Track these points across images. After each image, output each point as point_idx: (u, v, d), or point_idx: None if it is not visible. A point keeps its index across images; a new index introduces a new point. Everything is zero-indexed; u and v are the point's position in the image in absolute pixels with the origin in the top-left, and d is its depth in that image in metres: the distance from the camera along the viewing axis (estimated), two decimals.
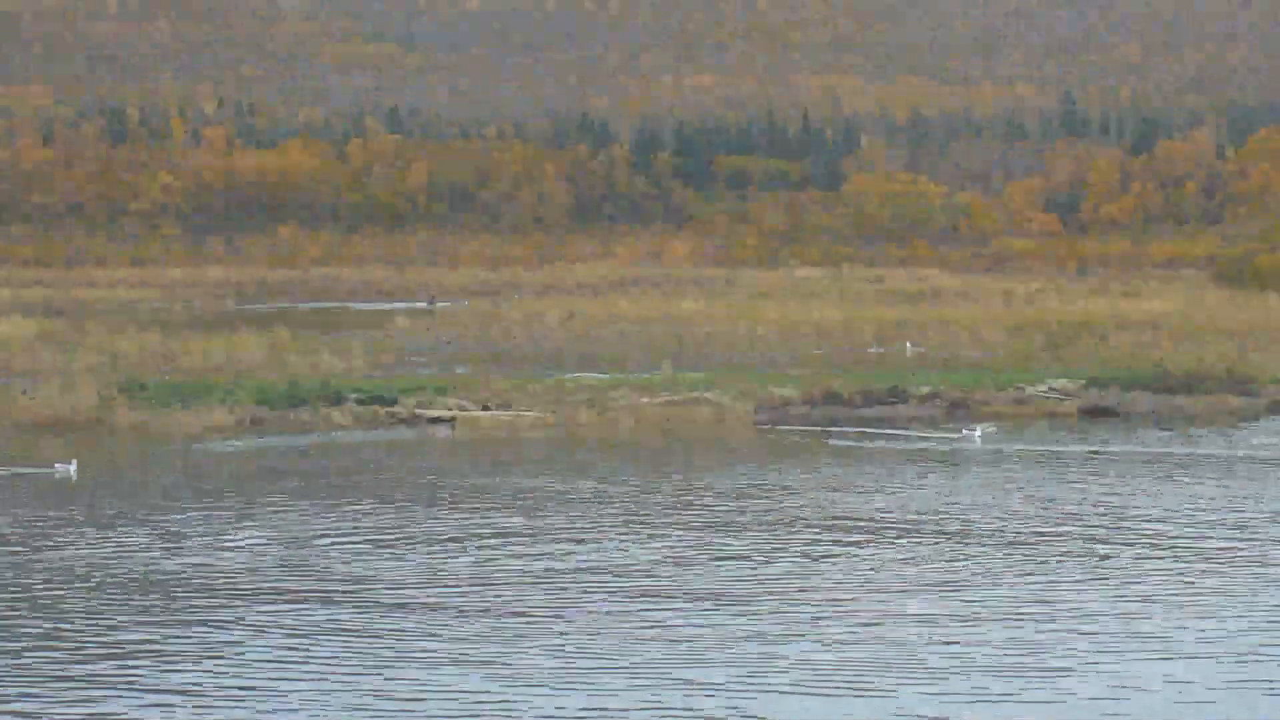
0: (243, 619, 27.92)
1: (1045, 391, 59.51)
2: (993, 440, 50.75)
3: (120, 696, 23.60)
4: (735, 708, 23.15)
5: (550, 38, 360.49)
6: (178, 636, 26.81)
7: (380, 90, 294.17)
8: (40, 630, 27.39)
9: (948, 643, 26.39)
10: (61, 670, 24.93)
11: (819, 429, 54.59)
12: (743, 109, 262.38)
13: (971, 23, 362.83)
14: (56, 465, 45.41)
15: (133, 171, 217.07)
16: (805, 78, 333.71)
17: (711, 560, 32.95)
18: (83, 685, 24.16)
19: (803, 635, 26.90)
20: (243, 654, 25.77)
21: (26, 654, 25.81)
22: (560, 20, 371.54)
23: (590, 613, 28.33)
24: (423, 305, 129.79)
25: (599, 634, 27.01)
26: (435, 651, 25.89)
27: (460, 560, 32.94)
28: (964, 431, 51.17)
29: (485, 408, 57.24)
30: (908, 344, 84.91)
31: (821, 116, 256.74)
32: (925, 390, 59.65)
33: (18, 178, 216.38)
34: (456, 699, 23.54)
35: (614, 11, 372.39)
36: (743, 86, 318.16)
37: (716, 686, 24.00)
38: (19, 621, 27.96)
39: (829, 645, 26.24)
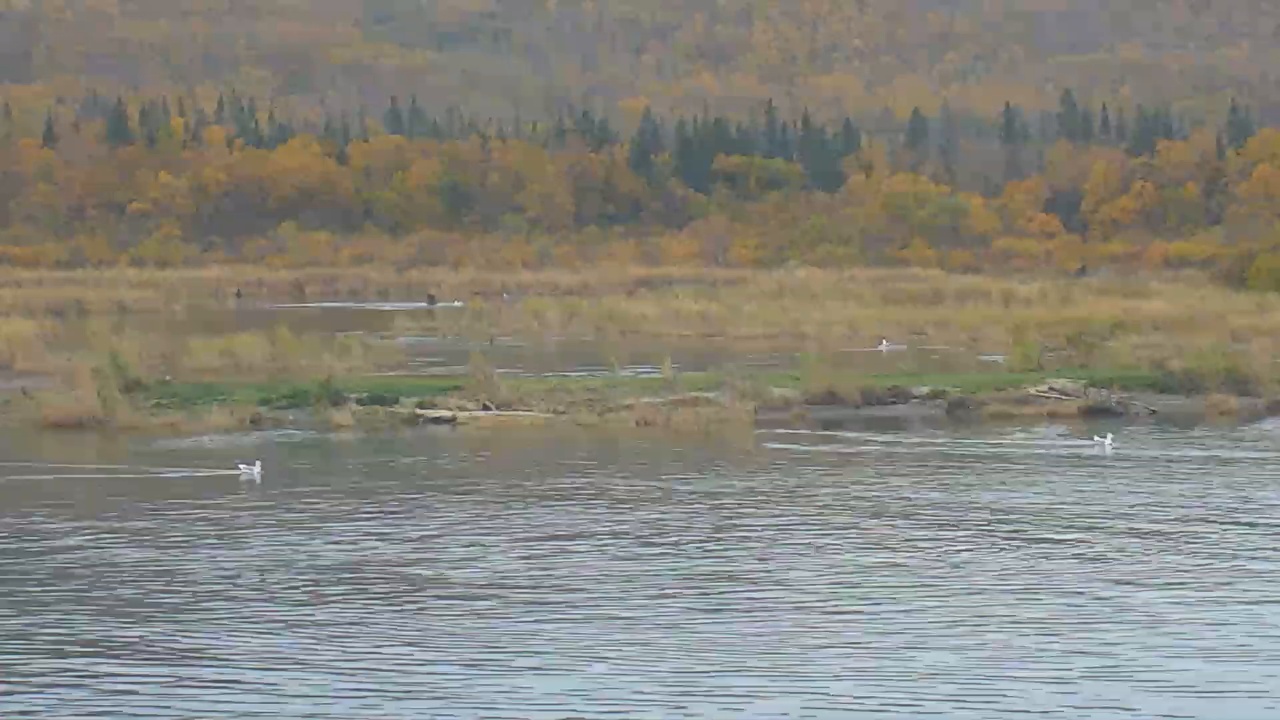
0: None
1: (1045, 391, 59.51)
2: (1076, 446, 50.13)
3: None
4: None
5: (550, 38, 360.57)
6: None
7: (380, 90, 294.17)
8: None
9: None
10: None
11: (824, 430, 54.60)
12: (742, 109, 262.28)
13: (972, 22, 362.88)
14: (240, 466, 44.66)
15: (133, 171, 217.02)
16: (805, 78, 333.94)
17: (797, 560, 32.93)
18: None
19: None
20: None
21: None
22: (560, 20, 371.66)
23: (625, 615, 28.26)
24: (423, 305, 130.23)
25: (630, 637, 26.96)
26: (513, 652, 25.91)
27: (486, 560, 32.95)
28: (1094, 439, 50.48)
29: (486, 408, 57.26)
30: (883, 341, 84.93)
31: (822, 116, 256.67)
32: (926, 390, 59.69)
33: (18, 178, 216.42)
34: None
35: (614, 11, 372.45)
36: (742, 86, 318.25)
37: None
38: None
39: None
